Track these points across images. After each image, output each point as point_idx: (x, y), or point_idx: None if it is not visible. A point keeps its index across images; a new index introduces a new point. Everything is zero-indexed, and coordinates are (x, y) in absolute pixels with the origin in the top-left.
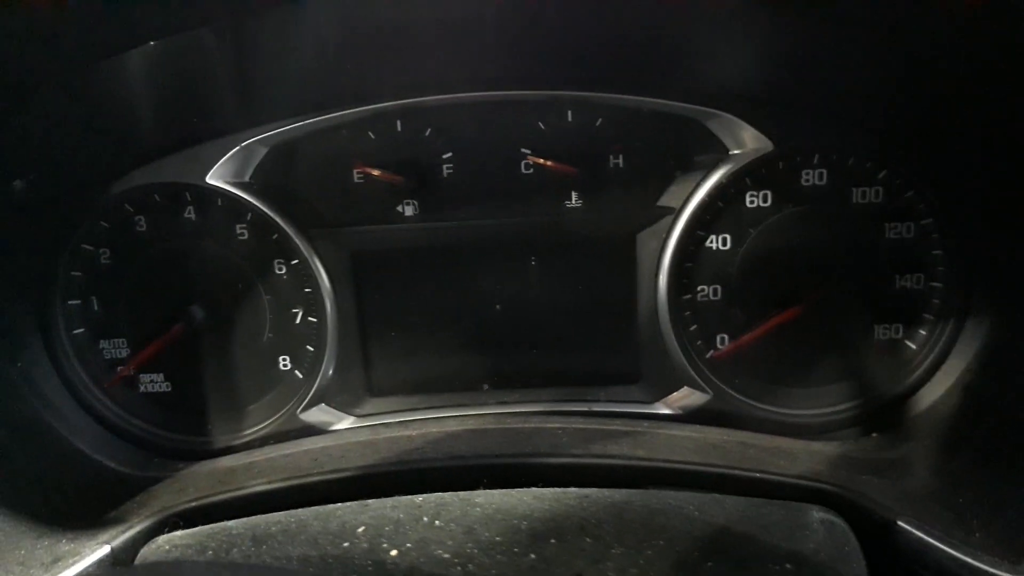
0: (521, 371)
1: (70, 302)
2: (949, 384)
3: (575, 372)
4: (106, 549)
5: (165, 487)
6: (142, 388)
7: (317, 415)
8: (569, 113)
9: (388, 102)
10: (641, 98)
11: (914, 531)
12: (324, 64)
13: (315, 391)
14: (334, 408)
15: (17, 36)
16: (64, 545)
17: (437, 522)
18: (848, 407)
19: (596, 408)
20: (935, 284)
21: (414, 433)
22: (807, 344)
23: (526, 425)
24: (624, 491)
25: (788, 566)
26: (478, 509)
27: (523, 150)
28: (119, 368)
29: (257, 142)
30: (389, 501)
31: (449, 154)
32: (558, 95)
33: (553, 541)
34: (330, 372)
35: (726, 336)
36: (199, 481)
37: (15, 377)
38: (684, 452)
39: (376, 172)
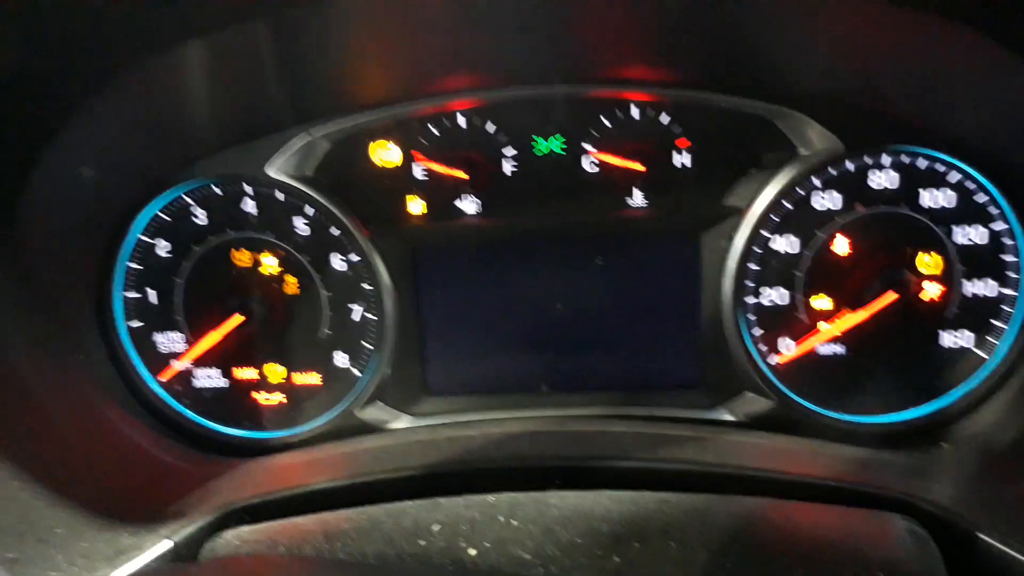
0: (580, 373)
1: (127, 294)
2: (1021, 393)
3: (635, 375)
4: (168, 544)
5: (224, 483)
6: (197, 383)
7: (374, 413)
8: (635, 109)
9: (450, 97)
10: (709, 95)
11: (996, 544)
12: (386, 58)
13: (373, 389)
14: (391, 406)
15: (80, 29)
16: (125, 539)
17: (514, 522)
18: (916, 416)
19: (656, 412)
20: (1006, 291)
21: (475, 433)
22: (874, 351)
23: (588, 428)
24: (704, 496)
25: (879, 574)
26: (555, 510)
27: (586, 147)
28: (173, 361)
29: (321, 137)
30: (460, 500)
31: (512, 150)
32: (623, 91)
33: (636, 544)
34: (388, 370)
35: (791, 341)
36: (258, 477)
37: (74, 370)
38: (754, 458)
39: (439, 167)
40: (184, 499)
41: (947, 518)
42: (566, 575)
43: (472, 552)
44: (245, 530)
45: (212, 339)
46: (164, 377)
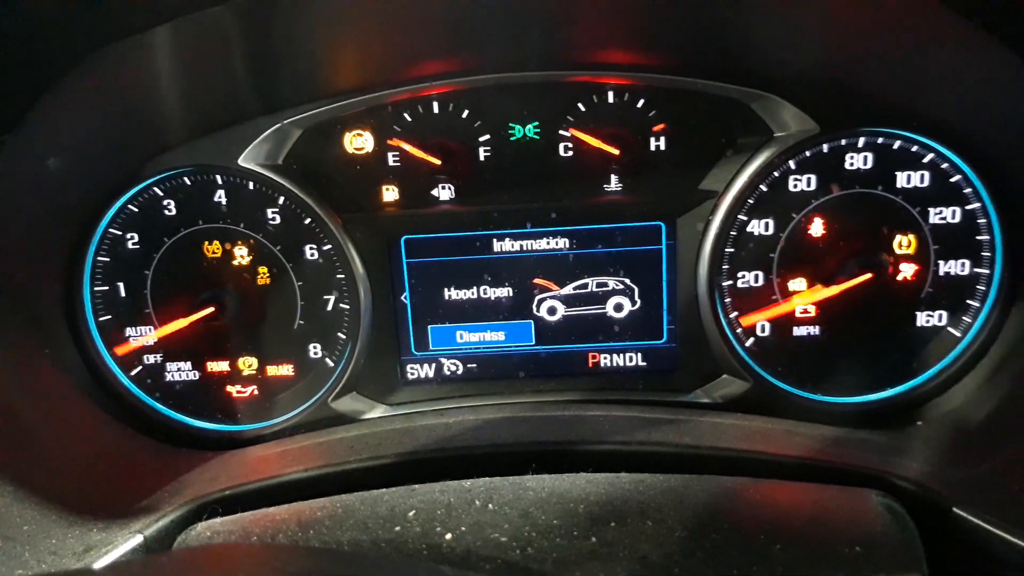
0: (557, 359)
1: (96, 288)
2: (994, 371)
3: (612, 360)
4: (138, 538)
5: (196, 476)
6: (168, 376)
7: (349, 404)
8: (610, 94)
9: (425, 83)
10: (685, 79)
11: (970, 517)
12: (360, 44)
13: (347, 379)
14: (366, 396)
15: (44, 15)
16: (95, 534)
17: (490, 506)
18: (890, 395)
19: (633, 397)
20: (980, 270)
21: (451, 420)
22: (849, 331)
23: (565, 413)
24: (680, 476)
25: (857, 549)
26: (531, 493)
27: (562, 132)
28: (144, 354)
29: (291, 124)
30: (437, 486)
31: (487, 136)
32: (599, 76)
33: (613, 524)
34: (362, 360)
35: (767, 324)
36: (231, 470)
37: (42, 365)
38: (731, 439)
39: (413, 153)
40: (155, 493)
41: (923, 494)
42: (543, 556)
43: (448, 537)
44: (217, 522)
45: (178, 325)
46: (121, 352)
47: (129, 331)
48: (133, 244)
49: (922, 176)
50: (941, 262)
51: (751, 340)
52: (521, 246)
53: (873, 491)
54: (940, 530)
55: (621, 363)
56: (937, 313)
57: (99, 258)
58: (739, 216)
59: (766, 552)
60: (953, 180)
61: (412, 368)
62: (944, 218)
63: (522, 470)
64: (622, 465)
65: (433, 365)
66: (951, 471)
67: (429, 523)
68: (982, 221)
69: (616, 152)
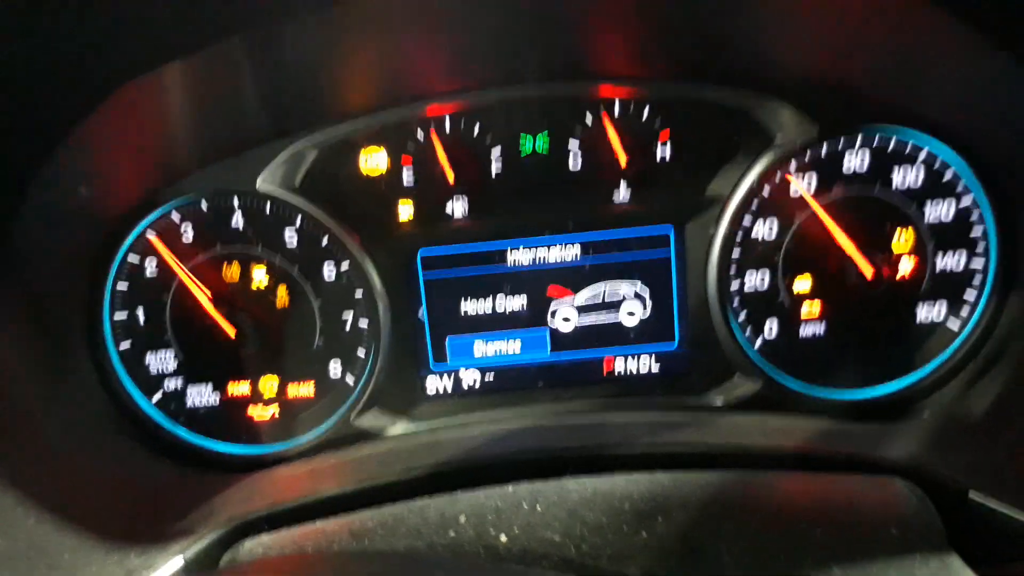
0: (572, 367)
1: (116, 316)
2: (994, 360)
3: (626, 365)
4: (179, 560)
5: (227, 498)
6: (190, 401)
7: (371, 420)
8: (616, 105)
9: (434, 100)
10: (688, 86)
11: (985, 501)
12: (369, 65)
13: (368, 396)
14: (388, 412)
15: (68, 52)
16: (134, 559)
17: (538, 507)
18: (896, 389)
19: (649, 401)
20: (976, 264)
21: (476, 432)
22: (853, 328)
23: (587, 420)
24: (716, 472)
25: (893, 531)
26: (574, 493)
27: (571, 144)
28: (165, 379)
29: (306, 145)
30: (480, 492)
31: (498, 151)
32: (604, 86)
33: (660, 519)
34: (383, 376)
35: (774, 324)
36: (263, 490)
37: (68, 394)
38: (752, 436)
39: (426, 171)
40: (188, 516)
41: (939, 480)
42: (598, 553)
43: (503, 538)
44: (266, 538)
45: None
46: (142, 378)
47: (149, 357)
48: (152, 271)
49: (918, 173)
50: (938, 257)
51: (760, 341)
52: (534, 256)
53: (896, 478)
54: (958, 515)
55: (635, 368)
56: (936, 307)
57: (118, 285)
58: (744, 220)
59: (808, 536)
60: (946, 176)
61: (431, 382)
62: (940, 214)
63: (555, 475)
64: (652, 466)
65: (452, 378)
66: (962, 458)
67: (482, 527)
68: (976, 215)
69: (624, 161)
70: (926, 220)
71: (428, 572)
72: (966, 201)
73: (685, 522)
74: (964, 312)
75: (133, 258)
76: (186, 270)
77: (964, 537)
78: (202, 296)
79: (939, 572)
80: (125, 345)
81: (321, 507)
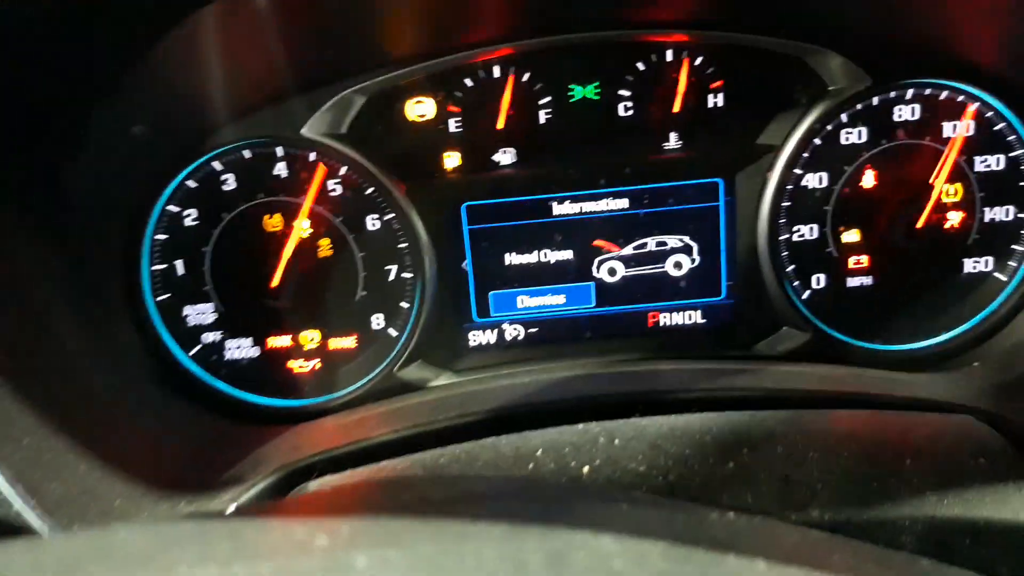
0: (617, 320)
1: (155, 267)
2: None
3: (671, 318)
4: (232, 507)
5: (274, 448)
6: (229, 354)
7: (415, 372)
8: (668, 52)
9: (484, 48)
10: (741, 35)
11: None
12: (420, 10)
13: (412, 348)
14: (432, 365)
15: None
16: (185, 507)
17: (616, 441)
18: (945, 339)
19: (695, 353)
20: None
21: (527, 380)
22: (900, 280)
23: (639, 368)
24: (793, 411)
25: (982, 460)
26: (651, 429)
27: (621, 92)
28: (203, 332)
29: (354, 92)
30: (552, 430)
31: (547, 99)
32: (656, 34)
33: (745, 451)
34: (426, 329)
35: (822, 276)
36: (312, 439)
37: (107, 345)
38: (810, 383)
39: (474, 118)
40: (235, 467)
41: (1003, 424)
42: (686, 483)
43: (586, 470)
44: (333, 478)
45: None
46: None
47: (187, 310)
48: (192, 220)
49: (967, 125)
50: (987, 209)
51: (808, 292)
52: (581, 208)
53: (972, 417)
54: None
55: (681, 321)
56: (984, 259)
57: (157, 236)
58: (795, 170)
59: (897, 466)
60: (997, 128)
61: (474, 335)
62: (989, 165)
63: (624, 414)
64: (717, 408)
65: (495, 331)
66: (1019, 404)
67: (561, 459)
68: None
69: (675, 110)
70: (975, 171)
71: (535, 491)
72: (1016, 153)
73: (772, 454)
74: (1011, 264)
75: (172, 208)
76: (226, 221)
77: None
78: (241, 249)
79: None
80: (163, 297)
81: (376, 452)
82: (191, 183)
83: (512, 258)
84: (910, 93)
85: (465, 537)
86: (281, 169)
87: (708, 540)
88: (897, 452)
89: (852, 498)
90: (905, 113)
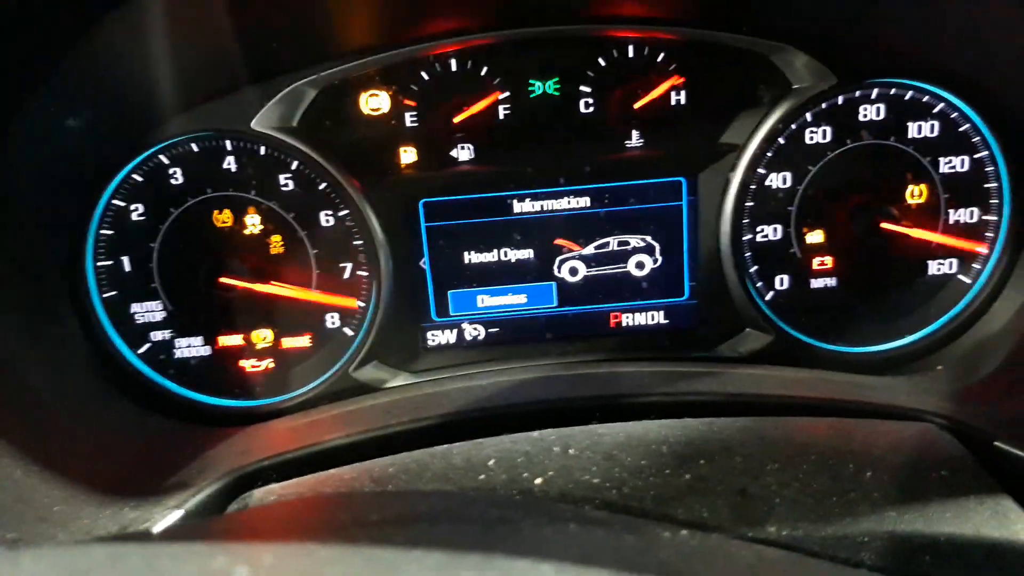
0: (579, 320)
1: (100, 263)
2: (1008, 314)
3: (634, 318)
4: (178, 513)
5: (223, 451)
6: (179, 353)
7: (371, 373)
8: (630, 48)
9: (442, 40)
10: (705, 31)
11: (1012, 450)
12: (375, 1)
13: (368, 348)
14: (389, 365)
15: None
16: (129, 512)
17: (571, 451)
18: (909, 342)
19: (658, 354)
20: (989, 217)
21: (484, 383)
22: (866, 281)
23: (598, 371)
24: (751, 419)
25: (943, 473)
26: (607, 438)
27: (582, 88)
28: (151, 330)
29: (306, 84)
30: (505, 438)
31: (506, 94)
32: (619, 30)
33: (702, 462)
34: (383, 328)
35: (786, 277)
36: (261, 442)
37: (52, 344)
38: (771, 387)
39: (430, 113)
40: (183, 470)
41: (964, 430)
42: (641, 495)
43: (538, 481)
44: (276, 487)
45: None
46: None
47: (135, 307)
48: (138, 216)
49: (932, 126)
50: (951, 210)
51: (771, 294)
52: (541, 206)
53: (932, 425)
54: (983, 463)
55: (643, 321)
56: (948, 261)
57: (102, 231)
58: (759, 170)
59: (858, 479)
60: (962, 129)
61: (433, 335)
62: (954, 167)
63: (577, 423)
64: (675, 414)
65: (455, 331)
66: (982, 408)
67: (513, 470)
68: (990, 169)
69: (637, 107)
70: (940, 172)
71: (478, 507)
72: (980, 154)
73: (729, 466)
74: (975, 266)
75: (118, 202)
76: (174, 216)
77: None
78: (190, 243)
79: (995, 515)
80: (110, 294)
81: (327, 457)
82: (137, 177)
83: (471, 256)
84: (875, 93)
85: (396, 569)
86: (230, 163)
87: (657, 565)
88: (858, 463)
89: (810, 512)
90: (870, 113)
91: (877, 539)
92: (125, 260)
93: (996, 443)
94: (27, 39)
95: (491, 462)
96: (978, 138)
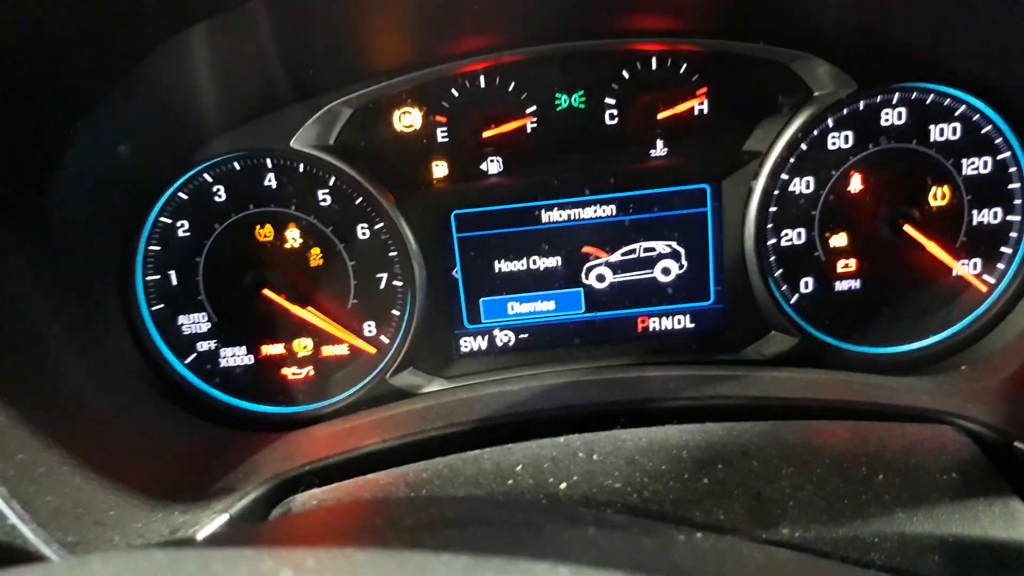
0: (606, 325)
1: (148, 278)
2: None
3: (661, 323)
4: (224, 517)
5: (266, 456)
6: (224, 362)
7: (407, 379)
8: (653, 61)
9: (471, 58)
10: (726, 42)
11: None
12: (405, 22)
13: (403, 355)
14: (423, 371)
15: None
16: (178, 516)
17: (595, 456)
18: (933, 343)
19: (685, 358)
20: (1012, 218)
21: (516, 387)
22: (889, 283)
23: (626, 375)
24: (770, 422)
25: (954, 475)
26: (630, 443)
27: (607, 100)
28: (198, 341)
29: (341, 104)
30: (533, 443)
31: (533, 108)
32: (642, 43)
33: (720, 466)
34: (418, 336)
35: (810, 280)
36: (303, 447)
37: (102, 357)
38: (795, 390)
39: (461, 129)
40: (228, 475)
41: (984, 431)
42: (661, 499)
43: (563, 486)
44: (318, 492)
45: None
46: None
47: (182, 319)
48: (184, 232)
49: (954, 128)
50: (974, 212)
51: (796, 296)
52: (569, 215)
53: (948, 427)
54: (1002, 465)
55: (670, 326)
56: (972, 261)
57: (151, 247)
58: (782, 176)
59: (870, 481)
60: (984, 131)
61: (465, 341)
62: (976, 168)
63: (603, 428)
64: (699, 418)
65: (486, 337)
66: (1004, 409)
67: (540, 475)
68: (1013, 170)
69: (661, 117)
70: (963, 174)
71: (514, 514)
72: (1003, 156)
73: (746, 470)
74: (1000, 266)
75: (165, 219)
76: (218, 231)
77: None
78: (234, 257)
79: (1003, 516)
80: (158, 307)
81: (366, 462)
82: (182, 195)
83: (501, 265)
84: (896, 97)
85: (426, 571)
86: (271, 180)
87: (670, 567)
88: (871, 466)
89: (823, 515)
90: (891, 117)
91: (887, 540)
92: (172, 274)
93: (1016, 443)
94: (79, 70)
95: (519, 467)
96: (1000, 139)
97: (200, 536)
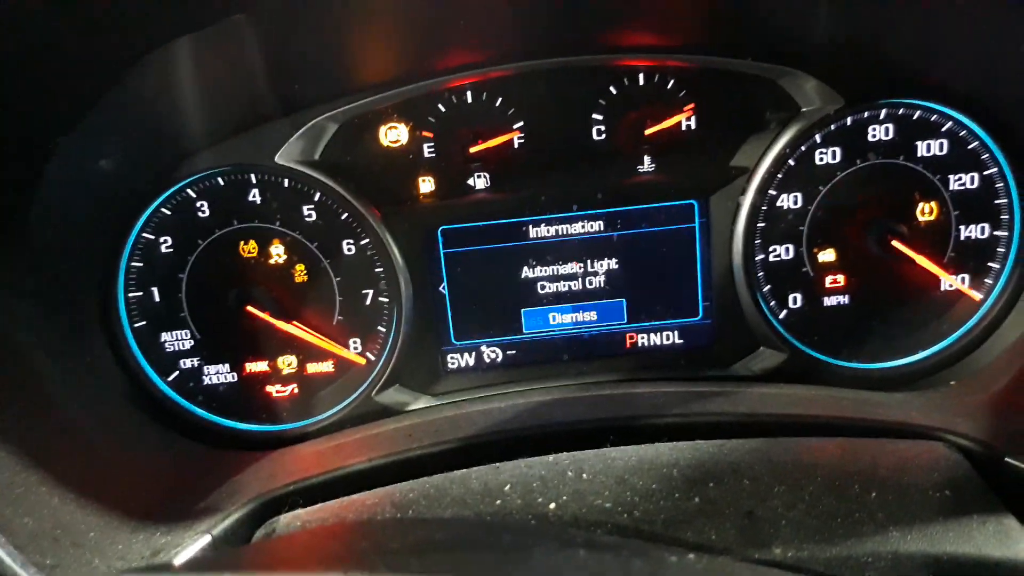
0: (595, 341)
1: (131, 294)
2: (1020, 329)
3: (649, 339)
4: (207, 538)
5: (250, 475)
6: (207, 380)
7: (392, 396)
8: (640, 77)
9: (457, 74)
10: (713, 58)
11: (1022, 466)
12: (391, 38)
13: (389, 372)
14: (409, 388)
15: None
16: (160, 537)
17: (584, 475)
18: (922, 358)
19: (673, 374)
20: (999, 233)
21: (503, 404)
22: (878, 298)
23: (614, 392)
24: (760, 440)
25: (947, 493)
26: (619, 462)
27: (594, 116)
28: (181, 358)
29: (327, 119)
30: (521, 462)
31: (520, 123)
32: (629, 59)
33: (711, 485)
34: (404, 352)
35: (798, 295)
36: (287, 466)
37: (84, 374)
38: (784, 406)
39: (447, 144)
40: (212, 495)
41: (975, 446)
42: (652, 518)
43: (552, 506)
44: (302, 512)
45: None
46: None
47: (164, 336)
48: (167, 248)
49: (941, 144)
50: (962, 227)
51: (784, 312)
52: (556, 231)
53: (938, 443)
54: (993, 481)
55: (659, 341)
56: (959, 277)
57: (133, 263)
58: (770, 191)
59: (863, 499)
60: (971, 147)
61: (452, 358)
62: (963, 184)
63: (592, 445)
64: (688, 435)
65: (473, 354)
66: (994, 424)
67: (528, 495)
68: (1000, 185)
69: (648, 133)
70: (950, 189)
71: (496, 535)
72: (990, 171)
73: (738, 488)
74: (987, 282)
75: (147, 235)
76: (201, 247)
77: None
78: (217, 274)
79: (997, 534)
80: (140, 324)
81: (351, 481)
82: (165, 210)
83: (489, 279)
84: (883, 113)
85: None
86: (255, 195)
87: None
88: (863, 484)
89: (815, 534)
90: (879, 133)
91: (880, 559)
92: (155, 291)
93: (1007, 459)
94: (61, 84)
95: (507, 487)
96: (987, 155)
97: (180, 560)
